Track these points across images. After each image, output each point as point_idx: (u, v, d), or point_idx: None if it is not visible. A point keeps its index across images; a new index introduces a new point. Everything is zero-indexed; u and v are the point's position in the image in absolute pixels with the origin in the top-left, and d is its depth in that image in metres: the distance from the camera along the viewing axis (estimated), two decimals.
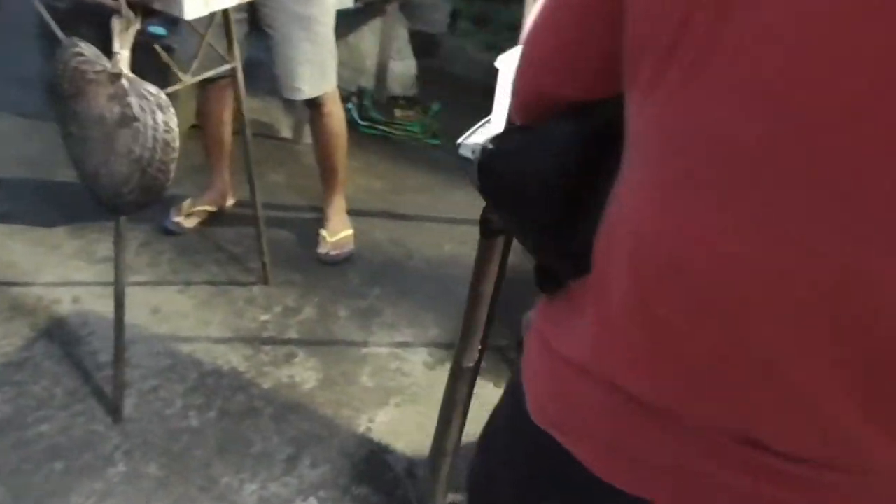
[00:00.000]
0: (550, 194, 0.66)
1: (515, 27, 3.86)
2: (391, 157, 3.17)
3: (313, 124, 2.41)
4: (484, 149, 0.71)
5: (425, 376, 2.09)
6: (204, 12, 1.54)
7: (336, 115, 2.38)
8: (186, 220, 2.47)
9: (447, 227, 2.79)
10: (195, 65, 1.77)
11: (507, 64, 1.12)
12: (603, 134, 0.63)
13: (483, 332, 1.32)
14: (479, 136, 1.18)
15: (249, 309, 2.22)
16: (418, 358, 2.14)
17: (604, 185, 0.63)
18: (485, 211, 1.14)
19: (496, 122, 1.17)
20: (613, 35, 0.57)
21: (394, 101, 3.52)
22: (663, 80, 0.52)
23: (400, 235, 2.68)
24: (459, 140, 1.15)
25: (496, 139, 0.73)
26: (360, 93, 3.45)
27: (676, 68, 0.51)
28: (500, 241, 1.18)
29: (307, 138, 2.99)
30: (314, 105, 2.31)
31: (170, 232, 2.45)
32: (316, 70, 2.23)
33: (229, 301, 2.24)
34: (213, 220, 2.54)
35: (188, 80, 1.75)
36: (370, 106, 3.42)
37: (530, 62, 0.68)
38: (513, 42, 3.82)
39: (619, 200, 0.60)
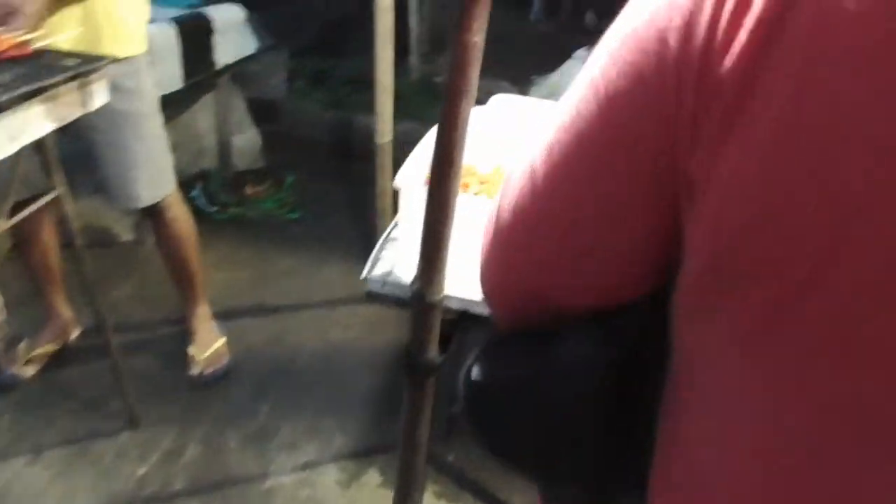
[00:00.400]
0: (577, 437, 0.48)
1: (356, 81, 3.71)
2: (250, 241, 2.90)
3: (157, 233, 2.10)
4: (470, 379, 0.52)
5: (342, 498, 1.85)
6: (10, 151, 1.25)
7: (181, 217, 2.09)
8: (24, 369, 2.08)
9: (327, 310, 2.56)
10: (6, 204, 1.45)
11: (408, 179, 0.94)
12: (635, 352, 0.46)
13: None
14: (385, 263, 0.99)
15: (121, 464, 1.88)
16: (329, 477, 1.90)
17: (643, 413, 0.46)
18: (409, 349, 0.94)
19: (404, 245, 0.98)
20: (660, 236, 0.41)
21: (242, 177, 3.25)
22: (795, 316, 0.36)
23: (278, 332, 2.42)
24: (364, 274, 0.95)
25: (486, 364, 0.53)
26: (204, 176, 3.16)
27: (825, 302, 0.34)
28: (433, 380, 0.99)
29: (152, 238, 2.67)
30: (155, 212, 2.02)
31: (5, 387, 2.05)
32: (152, 172, 1.95)
33: (94, 460, 1.89)
34: (56, 361, 2.16)
35: (4, 224, 1.43)
36: (217, 188, 3.13)
37: (528, 260, 0.49)
38: (356, 97, 3.69)
39: (689, 451, 0.43)
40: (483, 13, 0.72)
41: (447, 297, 0.89)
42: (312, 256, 2.82)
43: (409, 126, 3.04)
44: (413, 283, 0.87)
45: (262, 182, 3.24)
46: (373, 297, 0.92)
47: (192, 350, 2.19)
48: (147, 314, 2.43)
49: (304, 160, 3.41)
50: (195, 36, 2.62)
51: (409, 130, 3.04)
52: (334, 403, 2.12)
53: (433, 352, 0.92)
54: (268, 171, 3.32)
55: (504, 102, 1.27)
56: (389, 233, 1.04)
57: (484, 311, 0.94)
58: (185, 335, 2.23)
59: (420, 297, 0.87)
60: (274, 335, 2.40)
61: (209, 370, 2.17)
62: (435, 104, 3.85)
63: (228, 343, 2.25)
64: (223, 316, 2.36)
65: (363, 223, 2.98)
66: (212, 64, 2.79)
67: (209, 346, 2.21)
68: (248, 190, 3.18)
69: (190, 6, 2.69)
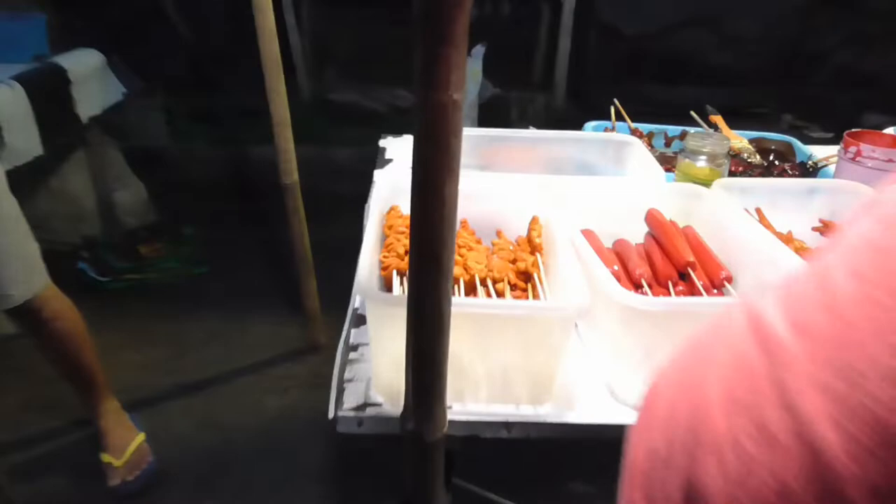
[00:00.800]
0: None
1: (244, 111, 3.40)
2: (157, 309, 2.58)
3: (37, 335, 1.73)
4: None
5: None
6: None
7: (62, 310, 1.74)
8: None
9: (257, 376, 2.29)
10: None
11: (368, 285, 0.70)
12: None
13: None
14: (354, 390, 0.75)
15: None
16: None
17: None
18: (409, 499, 0.71)
19: (379, 363, 0.74)
20: None
21: (133, 237, 2.91)
22: None
23: (207, 412, 2.12)
24: (330, 413, 0.72)
25: None
26: (90, 243, 2.80)
27: None
28: None
29: None
30: (30, 312, 1.67)
31: None
32: (18, 265, 1.61)
33: None
34: None
35: None
36: (108, 255, 2.78)
37: None
38: (247, 128, 3.38)
39: None
40: (462, 59, 0.50)
41: (451, 422, 0.67)
42: (231, 315, 2.53)
43: (307, 150, 2.78)
44: (405, 420, 0.64)
45: (158, 239, 2.90)
46: (348, 439, 0.69)
47: (106, 457, 1.87)
48: (44, 421, 2.07)
49: (200, 206, 3.10)
50: (49, 91, 2.26)
51: (309, 155, 2.78)
52: (287, 487, 1.86)
53: (440, 497, 0.69)
54: (162, 225, 2.98)
55: None
56: (346, 345, 0.80)
57: (499, 432, 0.72)
58: (95, 438, 1.90)
59: (417, 438, 0.64)
60: (203, 417, 2.10)
61: (132, 477, 1.86)
62: (330, 124, 3.58)
63: (150, 438, 1.95)
64: (139, 405, 2.05)
65: (280, 268, 2.71)
66: (75, 119, 2.44)
67: (126, 447, 1.89)
68: (143, 250, 2.84)
69: (36, 58, 2.32)
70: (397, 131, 1.67)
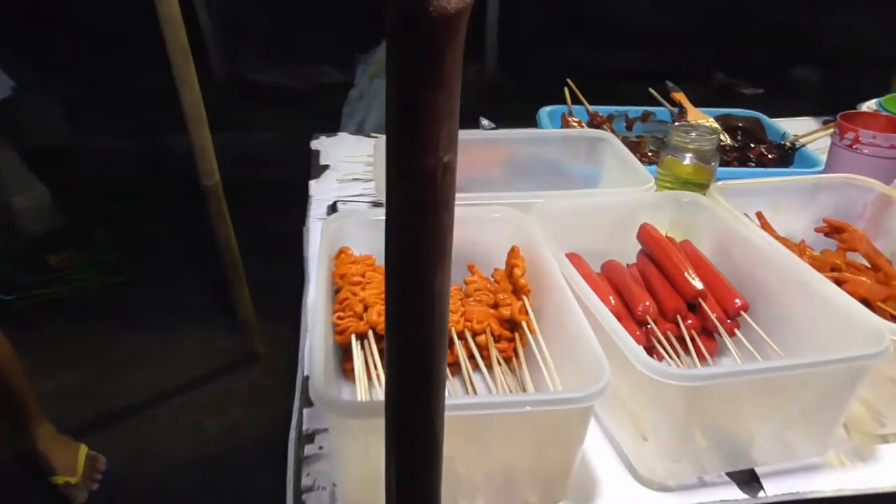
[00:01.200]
0: None
1: (156, 96, 3.12)
2: (74, 326, 2.34)
3: None
4: None
5: None
6: None
7: None
8: None
9: (191, 395, 2.10)
10: None
11: (321, 386, 0.54)
12: None
13: None
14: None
15: None
16: None
17: None
18: None
19: (344, 473, 0.58)
20: None
21: (39, 246, 2.63)
22: None
23: (138, 441, 1.93)
24: None
25: None
26: None
27: None
28: None
29: None
30: None
31: None
32: None
33: None
34: None
35: None
36: (11, 268, 2.52)
37: None
38: (160, 116, 3.10)
39: None
40: (454, 104, 0.34)
41: None
42: (156, 328, 2.32)
43: (226, 138, 2.56)
44: None
45: (68, 246, 2.63)
46: None
47: (60, 479, 1.70)
48: None
49: (113, 207, 2.83)
50: None
51: (229, 143, 2.55)
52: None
53: None
54: (71, 230, 2.71)
55: None
56: (299, 433, 0.64)
57: None
58: (41, 468, 1.70)
59: None
60: (134, 448, 1.90)
61: (96, 486, 1.71)
62: (250, 107, 3.34)
63: None
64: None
65: (208, 272, 2.49)
66: None
67: (75, 460, 1.73)
68: (52, 260, 2.58)
69: None
70: (326, 113, 1.48)
